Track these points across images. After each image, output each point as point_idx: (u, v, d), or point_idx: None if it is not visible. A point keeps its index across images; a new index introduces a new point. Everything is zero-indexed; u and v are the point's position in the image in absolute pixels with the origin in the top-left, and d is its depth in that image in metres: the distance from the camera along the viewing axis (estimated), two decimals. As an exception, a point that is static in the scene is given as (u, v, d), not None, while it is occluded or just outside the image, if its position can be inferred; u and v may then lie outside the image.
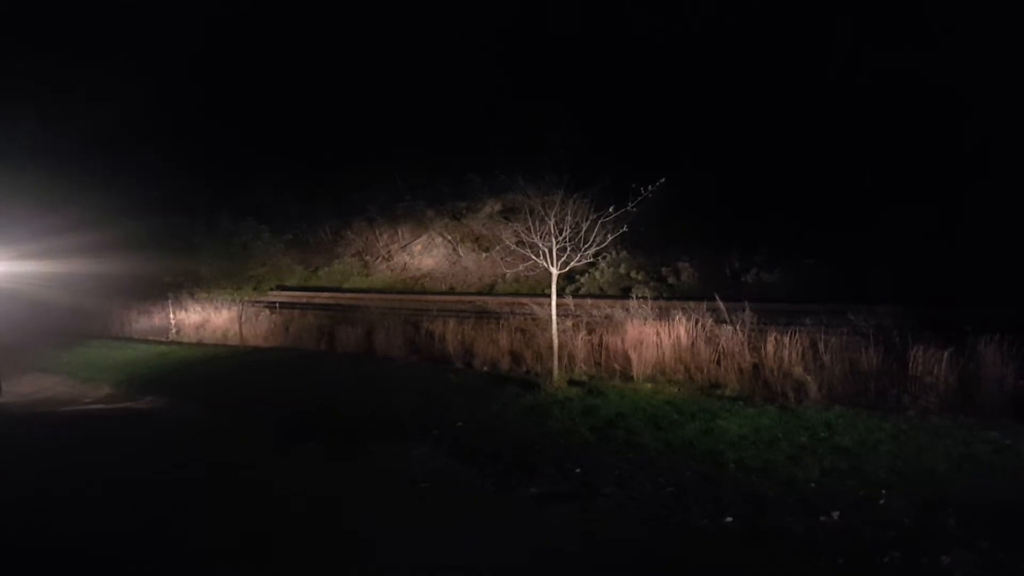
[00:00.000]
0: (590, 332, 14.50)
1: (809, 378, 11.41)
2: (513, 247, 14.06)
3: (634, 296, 15.13)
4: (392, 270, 25.78)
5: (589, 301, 16.26)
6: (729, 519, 7.07)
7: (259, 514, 7.73)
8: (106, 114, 28.41)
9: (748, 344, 12.74)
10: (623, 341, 13.74)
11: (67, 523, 7.56)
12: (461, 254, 24.76)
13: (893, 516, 6.88)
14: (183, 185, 26.78)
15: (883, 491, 7.47)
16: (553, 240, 12.34)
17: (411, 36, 29.74)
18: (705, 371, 12.77)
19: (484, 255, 23.86)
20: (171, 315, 23.09)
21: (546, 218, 12.35)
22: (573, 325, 14.65)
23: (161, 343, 21.91)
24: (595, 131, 23.38)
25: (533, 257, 12.82)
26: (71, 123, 27.90)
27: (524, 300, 16.72)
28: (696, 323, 13.33)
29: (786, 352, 12.08)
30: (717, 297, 14.01)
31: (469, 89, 27.40)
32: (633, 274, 20.30)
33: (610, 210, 12.43)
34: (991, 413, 9.86)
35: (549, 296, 13.16)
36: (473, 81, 27.33)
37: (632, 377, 13.06)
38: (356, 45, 30.46)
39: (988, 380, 10.43)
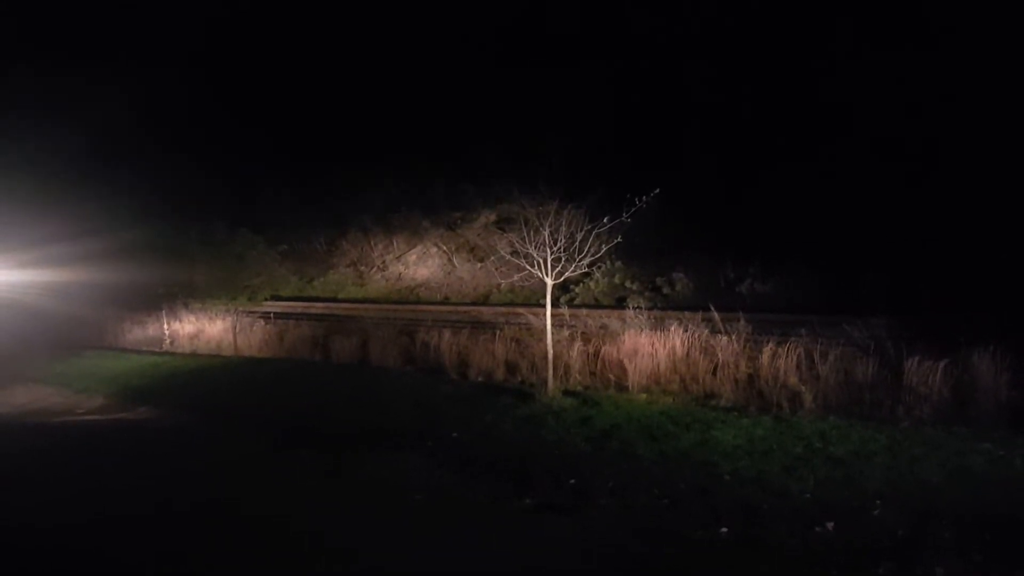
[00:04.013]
0: (585, 342, 14.49)
1: (804, 388, 11.42)
2: (508, 257, 14.07)
3: (629, 306, 15.14)
4: (387, 280, 25.78)
5: (584, 311, 16.24)
6: (724, 530, 7.06)
7: (250, 527, 7.69)
8: (102, 123, 28.38)
9: (743, 354, 12.76)
10: (618, 351, 13.73)
11: (56, 540, 7.51)
12: (456, 264, 24.78)
13: (887, 527, 6.89)
14: (178, 195, 26.74)
15: (877, 502, 7.47)
16: (548, 250, 12.34)
17: (406, 47, 29.82)
18: (700, 381, 12.77)
19: (479, 265, 23.87)
20: (165, 325, 23.02)
21: (540, 228, 12.37)
22: (568, 335, 14.64)
23: (155, 353, 21.83)
24: (590, 141, 23.45)
25: (528, 267, 12.81)
26: (68, 132, 27.86)
27: (519, 310, 16.72)
28: (691, 333, 13.35)
29: (781, 362, 12.09)
30: (712, 307, 14.07)
31: (465, 98, 27.45)
32: (628, 284, 20.33)
33: (604, 220, 12.44)
34: (985, 424, 9.88)
35: (544, 306, 13.16)
36: (469, 90, 27.40)
37: (627, 387, 13.04)
38: (351, 54, 30.54)
39: (982, 391, 10.46)
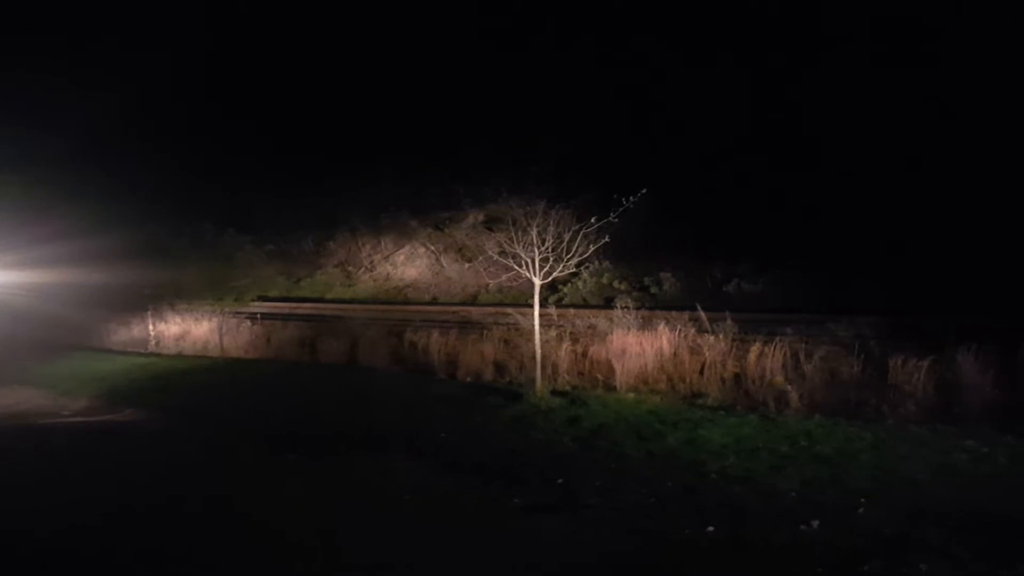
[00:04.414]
0: (573, 342, 14.52)
1: (790, 387, 11.50)
2: (496, 257, 14.08)
3: (617, 306, 15.16)
4: (375, 280, 25.70)
5: (572, 311, 16.26)
6: (711, 529, 7.09)
7: (236, 529, 7.67)
8: (90, 125, 28.23)
9: (730, 354, 12.82)
10: (606, 351, 13.78)
11: (38, 544, 7.46)
12: (444, 264, 24.74)
13: (873, 525, 6.93)
14: (166, 196, 26.62)
15: (863, 500, 7.53)
16: (536, 250, 12.36)
17: (394, 48, 29.77)
18: (688, 381, 12.83)
19: (467, 265, 23.84)
20: (151, 326, 22.88)
21: (529, 228, 12.38)
22: (556, 335, 14.66)
23: (141, 355, 21.69)
24: (578, 142, 23.46)
25: (516, 267, 12.84)
26: (55, 135, 27.68)
27: (507, 310, 16.70)
28: (679, 333, 13.40)
29: (768, 361, 12.16)
30: (699, 307, 14.12)
31: (454, 97, 27.43)
32: (616, 284, 20.36)
33: (592, 220, 12.47)
34: (969, 421, 9.98)
35: (532, 306, 13.18)
36: (458, 89, 27.38)
37: (615, 387, 13.09)
38: (340, 55, 30.45)
39: (966, 389, 10.57)
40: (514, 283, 15.48)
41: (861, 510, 7.32)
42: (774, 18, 22.47)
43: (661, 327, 13.56)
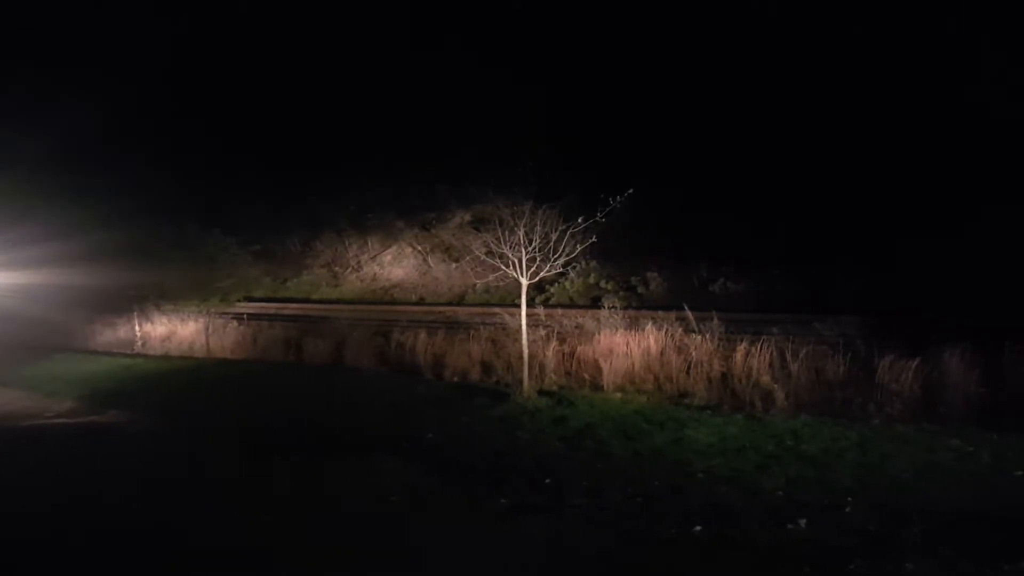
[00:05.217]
0: (560, 342, 14.52)
1: (776, 387, 11.53)
2: (483, 257, 14.05)
3: (604, 306, 15.18)
4: (362, 281, 25.63)
5: (559, 311, 16.27)
6: (698, 528, 7.08)
7: (222, 532, 7.60)
8: (76, 125, 27.95)
9: (717, 353, 12.85)
10: (593, 351, 13.79)
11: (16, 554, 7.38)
12: (431, 264, 24.69)
13: (858, 524, 6.95)
14: (151, 197, 26.38)
15: (848, 499, 7.55)
16: (523, 250, 12.35)
17: (380, 45, 29.67)
18: (674, 380, 12.85)
19: (454, 265, 23.81)
20: (137, 327, 22.73)
21: (515, 228, 12.37)
22: (544, 335, 14.65)
23: (126, 356, 21.53)
24: (565, 143, 23.45)
25: (503, 267, 12.82)
26: (42, 133, 27.40)
27: (495, 310, 16.69)
28: (665, 332, 13.42)
29: (754, 361, 12.19)
30: (686, 307, 14.15)
31: (440, 99, 27.36)
32: (603, 284, 20.38)
33: (579, 220, 12.47)
34: (954, 420, 10.06)
35: (519, 306, 13.16)
36: (444, 91, 27.31)
37: (602, 387, 13.09)
38: (326, 55, 30.31)
39: (952, 388, 10.65)
40: (501, 283, 15.47)
41: (847, 509, 7.34)
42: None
43: (648, 327, 13.59)
